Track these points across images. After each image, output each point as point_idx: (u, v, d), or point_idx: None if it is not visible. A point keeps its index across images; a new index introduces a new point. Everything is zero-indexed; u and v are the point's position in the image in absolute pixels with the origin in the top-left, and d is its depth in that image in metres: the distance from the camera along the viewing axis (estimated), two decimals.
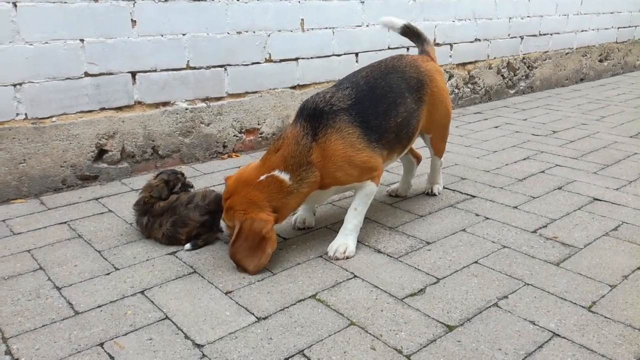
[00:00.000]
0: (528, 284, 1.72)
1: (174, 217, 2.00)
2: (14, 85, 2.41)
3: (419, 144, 2.84)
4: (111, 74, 2.66)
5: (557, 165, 2.91)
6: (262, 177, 1.81)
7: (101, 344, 1.45)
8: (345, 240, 1.94)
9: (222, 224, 1.94)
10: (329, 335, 1.47)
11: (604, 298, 1.64)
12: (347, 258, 1.90)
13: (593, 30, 5.70)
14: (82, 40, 2.54)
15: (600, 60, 5.96)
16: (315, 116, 1.85)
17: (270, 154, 1.86)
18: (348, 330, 1.49)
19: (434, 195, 2.49)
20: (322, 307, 1.60)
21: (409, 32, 2.40)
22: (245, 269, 1.81)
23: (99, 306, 1.63)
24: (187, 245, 1.99)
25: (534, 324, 1.51)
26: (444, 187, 2.57)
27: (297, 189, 1.82)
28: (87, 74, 2.59)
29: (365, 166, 1.90)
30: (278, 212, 1.83)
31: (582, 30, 5.56)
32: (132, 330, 1.51)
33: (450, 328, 1.50)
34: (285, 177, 1.80)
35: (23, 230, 2.18)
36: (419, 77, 2.14)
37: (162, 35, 2.78)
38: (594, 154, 3.11)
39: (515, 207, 2.33)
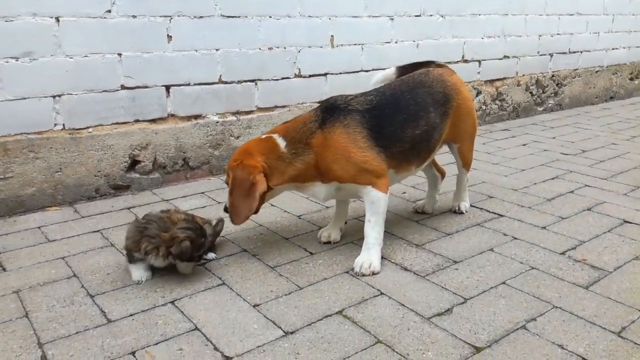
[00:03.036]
0: (556, 307, 1.70)
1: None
2: (54, 97, 2.50)
3: (443, 162, 2.84)
4: (146, 87, 2.74)
5: (586, 185, 2.88)
6: (263, 136, 2.00)
7: (133, 353, 1.49)
8: (368, 256, 1.95)
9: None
10: (356, 353, 1.48)
11: (634, 324, 1.61)
12: (373, 274, 1.91)
13: (624, 48, 5.62)
14: (119, 55, 2.62)
15: (631, 79, 5.88)
16: (330, 109, 1.98)
17: (279, 125, 2.06)
18: (375, 348, 1.50)
19: (461, 213, 2.49)
20: (349, 324, 1.62)
21: (407, 69, 2.41)
22: (238, 217, 1.92)
23: (131, 315, 1.67)
24: (211, 255, 2.06)
25: (563, 347, 1.50)
26: (471, 205, 2.56)
27: (289, 160, 1.94)
28: (123, 87, 2.67)
29: (363, 167, 1.91)
30: (268, 171, 1.92)
31: (613, 48, 5.49)
32: (163, 340, 1.55)
33: (478, 349, 1.50)
34: (281, 142, 1.94)
35: (57, 237, 2.25)
36: (445, 91, 2.18)
37: (196, 51, 2.85)
38: (624, 174, 3.06)
39: (544, 228, 2.32)
